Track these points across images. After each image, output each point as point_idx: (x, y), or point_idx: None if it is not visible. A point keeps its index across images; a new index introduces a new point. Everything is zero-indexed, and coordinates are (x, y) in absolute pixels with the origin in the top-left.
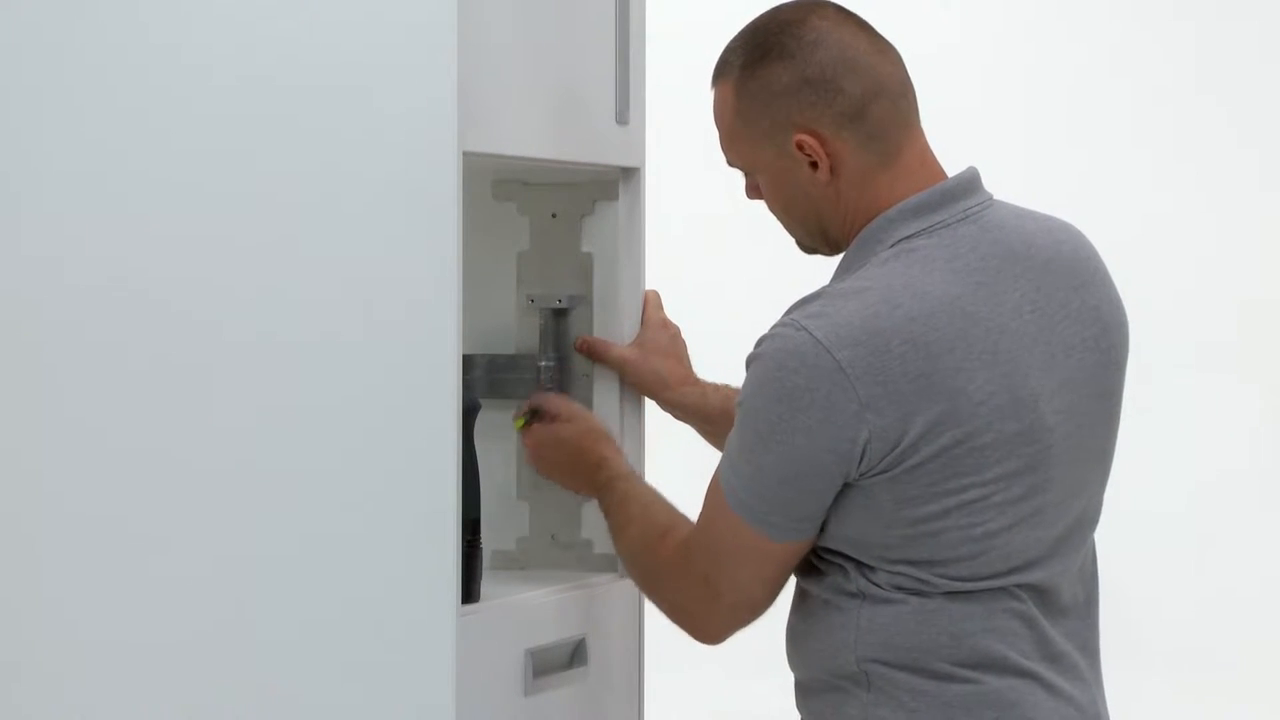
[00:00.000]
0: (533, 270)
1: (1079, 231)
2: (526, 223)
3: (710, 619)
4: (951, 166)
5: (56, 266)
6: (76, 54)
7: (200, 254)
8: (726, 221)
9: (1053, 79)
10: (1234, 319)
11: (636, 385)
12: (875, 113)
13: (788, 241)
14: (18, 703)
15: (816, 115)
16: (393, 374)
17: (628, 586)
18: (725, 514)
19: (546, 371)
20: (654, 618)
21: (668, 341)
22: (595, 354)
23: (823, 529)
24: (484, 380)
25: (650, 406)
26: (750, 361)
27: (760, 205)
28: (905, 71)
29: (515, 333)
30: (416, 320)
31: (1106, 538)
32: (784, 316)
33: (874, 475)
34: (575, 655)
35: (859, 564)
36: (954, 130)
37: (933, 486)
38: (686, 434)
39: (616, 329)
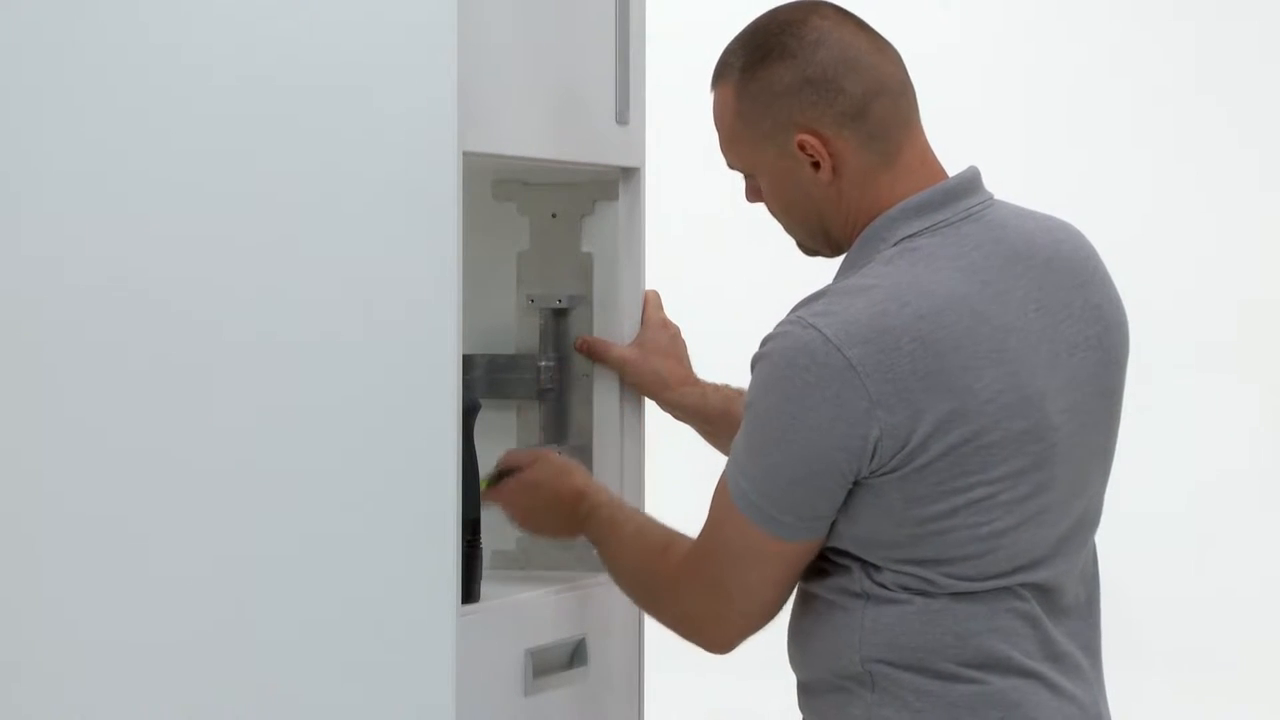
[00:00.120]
0: (533, 270)
1: (1078, 231)
2: (526, 223)
3: (722, 626)
4: (951, 166)
5: (56, 266)
6: (76, 54)
7: (200, 254)
8: (726, 221)
9: (1053, 79)
10: (1234, 319)
11: (636, 385)
12: (876, 112)
13: (788, 242)
14: (18, 703)
15: (818, 115)
16: (393, 374)
17: None
18: (734, 517)
19: (546, 371)
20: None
21: (668, 341)
22: (595, 354)
23: (831, 528)
24: (484, 380)
25: (650, 406)
26: (756, 361)
27: (760, 207)
28: (905, 71)
29: (515, 333)
30: (416, 320)
31: (1107, 538)
32: (790, 314)
33: (884, 474)
34: (575, 655)
35: (864, 564)
36: (954, 130)
37: (941, 485)
38: (686, 434)
39: (616, 329)
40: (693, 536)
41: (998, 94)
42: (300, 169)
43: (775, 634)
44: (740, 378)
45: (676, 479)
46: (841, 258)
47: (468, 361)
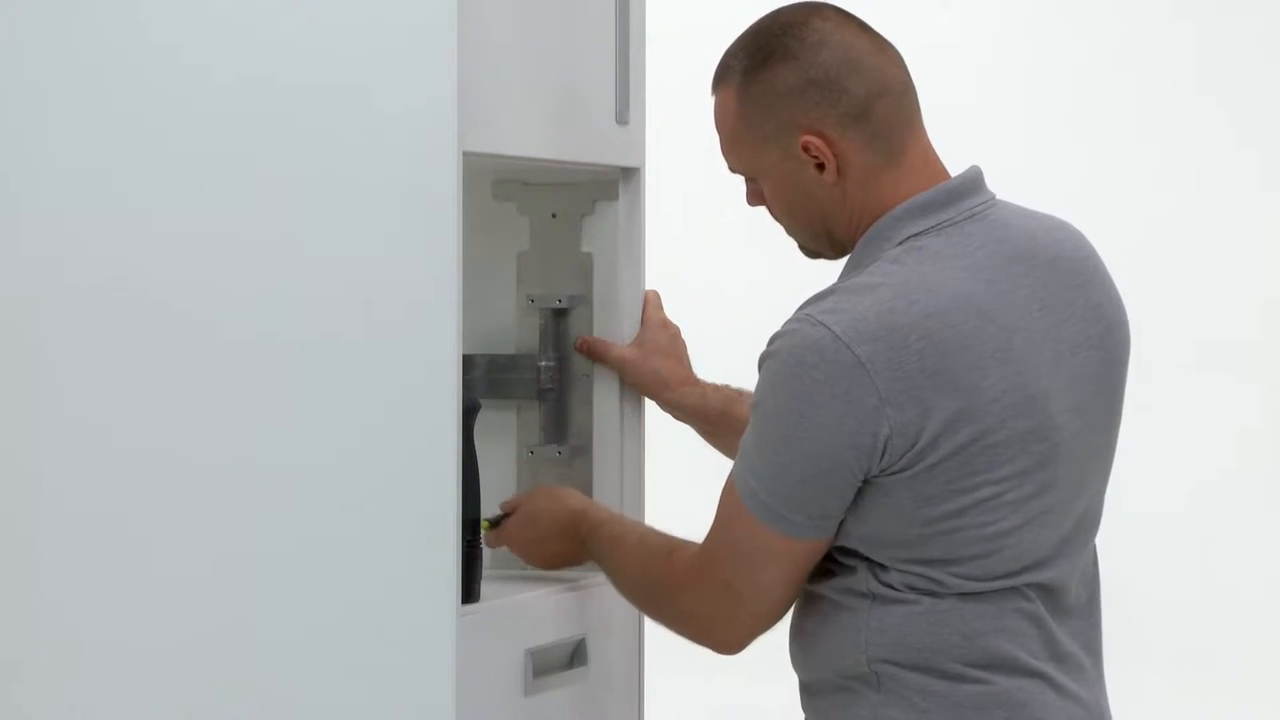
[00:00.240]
0: (533, 270)
1: (1078, 230)
2: (526, 223)
3: (732, 626)
4: (952, 166)
5: (56, 266)
6: (76, 54)
7: (200, 254)
8: (726, 221)
9: (1053, 79)
10: (1235, 319)
11: (636, 385)
12: (880, 112)
13: (787, 242)
14: (18, 703)
15: (822, 116)
16: (393, 374)
17: None
18: (744, 516)
19: (546, 371)
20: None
21: (668, 341)
22: (595, 354)
23: (838, 528)
24: (484, 380)
25: (650, 406)
26: (764, 359)
27: (761, 208)
28: (906, 71)
29: (515, 333)
30: (416, 320)
31: (1107, 538)
32: (797, 312)
33: (894, 472)
34: (575, 655)
35: (871, 564)
36: (954, 130)
37: (950, 484)
38: (686, 434)
39: (616, 329)
40: (695, 542)
41: (998, 94)
42: (300, 169)
43: (776, 634)
44: (740, 378)
45: (676, 479)
46: (844, 259)
47: (468, 361)
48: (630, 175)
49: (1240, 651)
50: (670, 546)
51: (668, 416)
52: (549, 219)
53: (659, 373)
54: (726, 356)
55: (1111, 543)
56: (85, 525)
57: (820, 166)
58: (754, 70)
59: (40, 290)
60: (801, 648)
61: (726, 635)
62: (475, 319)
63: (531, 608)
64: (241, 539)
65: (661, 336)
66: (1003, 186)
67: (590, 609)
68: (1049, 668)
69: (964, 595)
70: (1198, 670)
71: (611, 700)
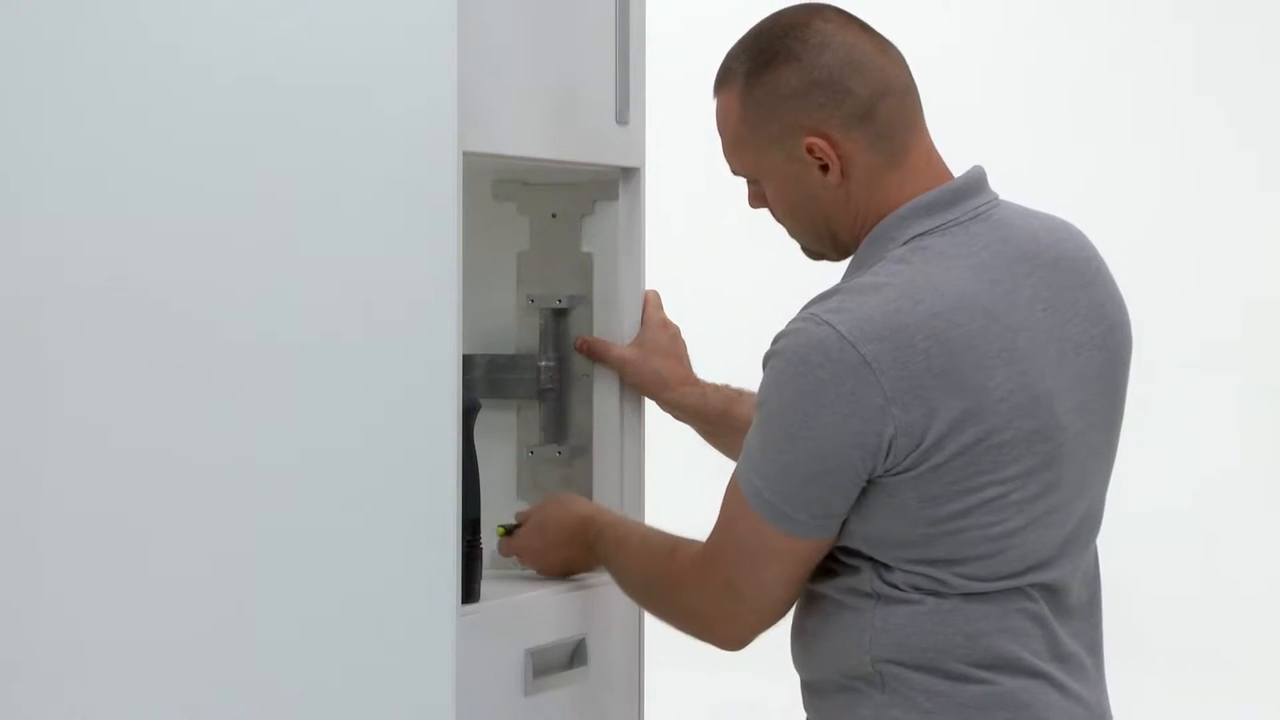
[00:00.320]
0: (533, 270)
1: (1079, 230)
2: (526, 223)
3: (734, 622)
4: (953, 167)
5: (56, 266)
6: (76, 54)
7: (200, 254)
8: (726, 222)
9: (1053, 79)
10: (1237, 318)
11: (636, 385)
12: (883, 113)
13: (787, 242)
14: (18, 703)
15: (826, 117)
16: (393, 374)
17: None
18: (747, 514)
19: (546, 371)
20: (654, 617)
21: (668, 341)
22: (595, 354)
23: (842, 527)
24: (484, 380)
25: (650, 406)
26: (769, 358)
27: (763, 210)
28: (909, 72)
29: (515, 333)
30: (416, 320)
31: (1108, 537)
32: (802, 311)
33: (898, 472)
34: (575, 655)
35: (876, 563)
36: (955, 130)
37: (955, 485)
38: (686, 434)
39: (616, 329)
40: (698, 541)
41: (998, 94)
42: (300, 169)
43: (776, 633)
44: (741, 378)
45: (676, 479)
46: (847, 260)
47: (468, 361)
48: (630, 175)
49: (1242, 651)
50: (673, 545)
51: (668, 416)
52: (549, 219)
53: (659, 373)
54: (726, 356)
55: (1113, 542)
56: (85, 525)
57: (824, 168)
58: (757, 72)
59: (40, 290)
60: (804, 647)
61: (729, 632)
62: (475, 319)
63: (531, 608)
64: (241, 539)
65: (661, 336)
66: (1003, 187)
67: (590, 609)
68: (1052, 668)
69: (968, 595)
70: (1199, 670)
71: (611, 700)
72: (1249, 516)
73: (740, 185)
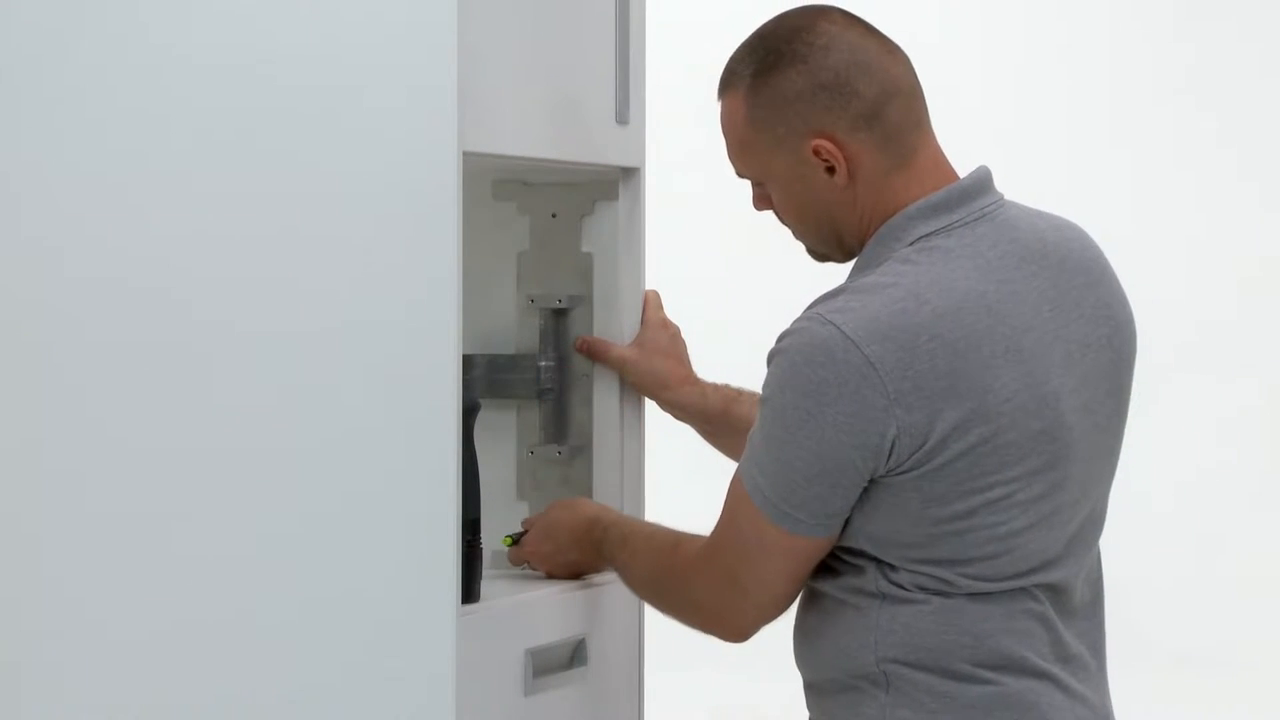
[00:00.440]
0: (533, 270)
1: (1084, 230)
2: (526, 223)
3: (736, 616)
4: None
5: (57, 265)
6: (76, 54)
7: (200, 254)
8: (727, 222)
9: (1053, 78)
10: (1237, 318)
11: (636, 385)
12: (890, 114)
13: (788, 242)
14: (18, 703)
15: (832, 119)
16: (393, 374)
17: None
18: (749, 512)
19: (546, 371)
20: (654, 617)
21: (667, 341)
22: (595, 354)
23: (846, 527)
24: (484, 380)
25: (650, 406)
26: (773, 356)
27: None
28: (914, 73)
29: (515, 333)
30: (416, 320)
31: (1108, 537)
32: (807, 310)
33: (901, 473)
34: (575, 655)
35: (880, 563)
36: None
37: (959, 485)
38: (686, 434)
39: (616, 329)
40: (702, 535)
41: (997, 94)
42: (300, 169)
43: (775, 632)
44: (741, 378)
45: (676, 479)
46: (851, 262)
47: (468, 361)
48: (630, 175)
49: (1242, 651)
50: (677, 540)
51: (668, 416)
52: (549, 219)
53: (659, 372)
54: (726, 356)
55: (1113, 542)
56: (85, 524)
57: (831, 170)
58: (762, 75)
59: (41, 288)
60: (808, 647)
61: (732, 624)
62: (475, 319)
63: (531, 608)
64: (241, 539)
65: (661, 336)
66: (1003, 187)
67: (590, 609)
68: (1056, 668)
69: (973, 595)
70: (1199, 670)
71: (611, 700)
72: (1249, 517)
73: (741, 185)
